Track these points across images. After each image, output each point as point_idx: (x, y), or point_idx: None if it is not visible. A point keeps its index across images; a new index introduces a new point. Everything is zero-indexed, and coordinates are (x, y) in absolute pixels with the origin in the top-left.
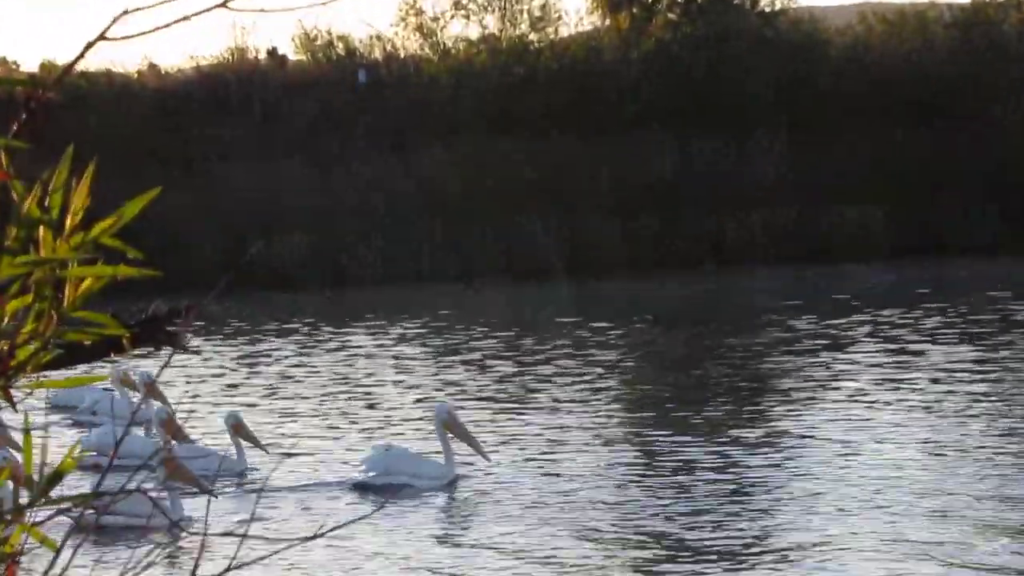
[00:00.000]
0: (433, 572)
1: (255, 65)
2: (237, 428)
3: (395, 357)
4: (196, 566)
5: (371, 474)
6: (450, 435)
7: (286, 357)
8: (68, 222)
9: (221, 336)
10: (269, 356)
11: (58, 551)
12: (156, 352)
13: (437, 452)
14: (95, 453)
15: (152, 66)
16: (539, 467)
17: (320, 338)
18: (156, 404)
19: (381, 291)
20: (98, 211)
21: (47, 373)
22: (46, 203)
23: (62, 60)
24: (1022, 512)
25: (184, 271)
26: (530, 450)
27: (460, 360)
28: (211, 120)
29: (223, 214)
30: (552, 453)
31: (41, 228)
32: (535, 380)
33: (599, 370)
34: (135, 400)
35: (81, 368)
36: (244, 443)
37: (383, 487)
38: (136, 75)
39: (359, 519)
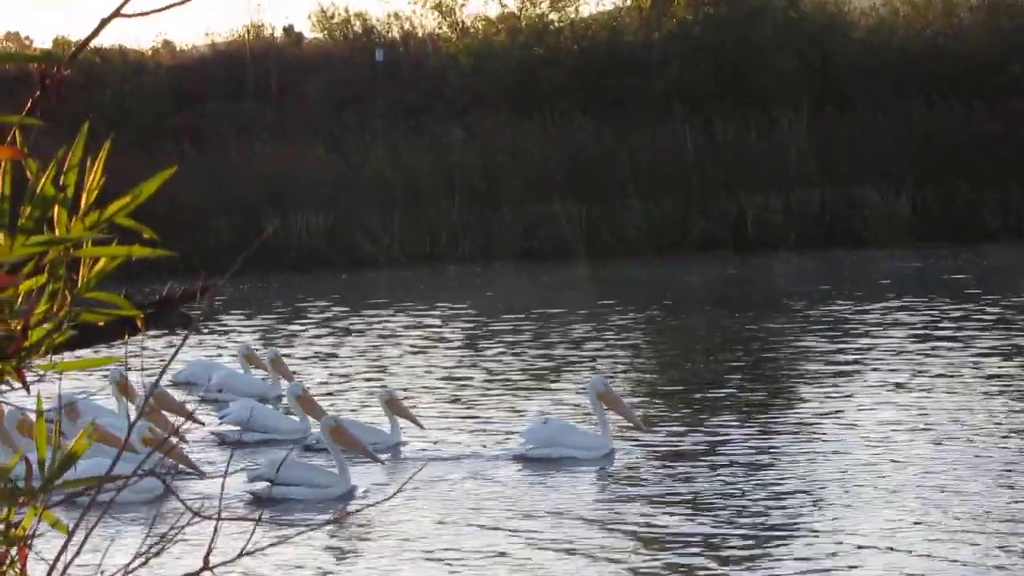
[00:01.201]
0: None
1: (271, 43)
2: (391, 403)
3: (426, 339)
4: (209, 551)
5: (530, 446)
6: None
7: (315, 338)
8: (83, 201)
9: (244, 316)
10: (297, 336)
11: (70, 535)
12: (171, 333)
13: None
14: (237, 428)
15: (167, 43)
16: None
17: (341, 320)
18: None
19: (397, 272)
20: (112, 188)
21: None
22: (61, 181)
23: (76, 36)
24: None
25: (198, 251)
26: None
27: (480, 342)
28: (227, 98)
29: (238, 193)
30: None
31: (56, 207)
32: (551, 362)
33: (619, 352)
34: (259, 377)
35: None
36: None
37: (543, 459)
38: (151, 52)
39: (374, 504)
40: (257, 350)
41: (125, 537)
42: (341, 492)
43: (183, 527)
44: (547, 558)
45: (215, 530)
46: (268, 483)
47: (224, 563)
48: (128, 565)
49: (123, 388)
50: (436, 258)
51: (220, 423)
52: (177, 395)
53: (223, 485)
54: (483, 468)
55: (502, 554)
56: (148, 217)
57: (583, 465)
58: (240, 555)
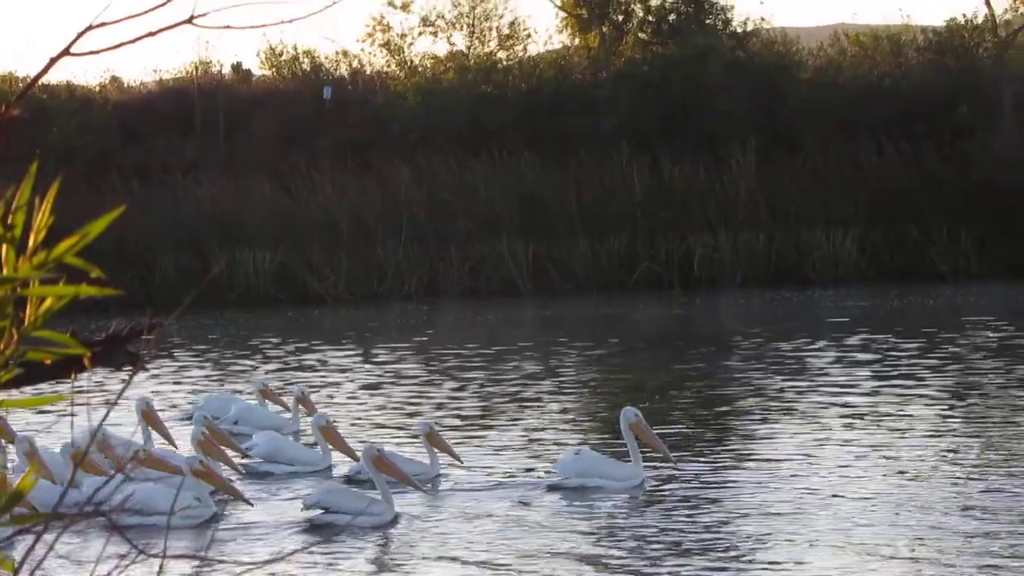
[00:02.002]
0: None
1: (219, 79)
2: (430, 437)
3: (364, 377)
4: None
5: (564, 477)
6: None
7: (267, 374)
8: (31, 240)
9: (193, 353)
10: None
11: (16, 571)
12: (117, 371)
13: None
14: (261, 460)
15: (114, 79)
16: (502, 480)
17: (292, 356)
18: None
19: (343, 310)
20: (59, 223)
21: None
22: (8, 220)
23: (23, 72)
24: (986, 524)
25: (145, 287)
26: (501, 465)
27: (428, 379)
28: (174, 134)
29: (185, 230)
30: (518, 466)
31: (3, 246)
32: (497, 400)
33: (563, 391)
34: (278, 411)
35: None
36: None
37: (576, 489)
38: (98, 88)
39: (303, 549)
40: (217, 387)
41: (80, 570)
42: (389, 519)
43: (127, 565)
44: None
45: (161, 568)
46: (323, 510)
47: None
48: None
49: (148, 418)
50: (382, 296)
51: (251, 454)
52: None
53: (168, 524)
54: (513, 498)
55: None
56: (94, 253)
57: (606, 495)
58: None
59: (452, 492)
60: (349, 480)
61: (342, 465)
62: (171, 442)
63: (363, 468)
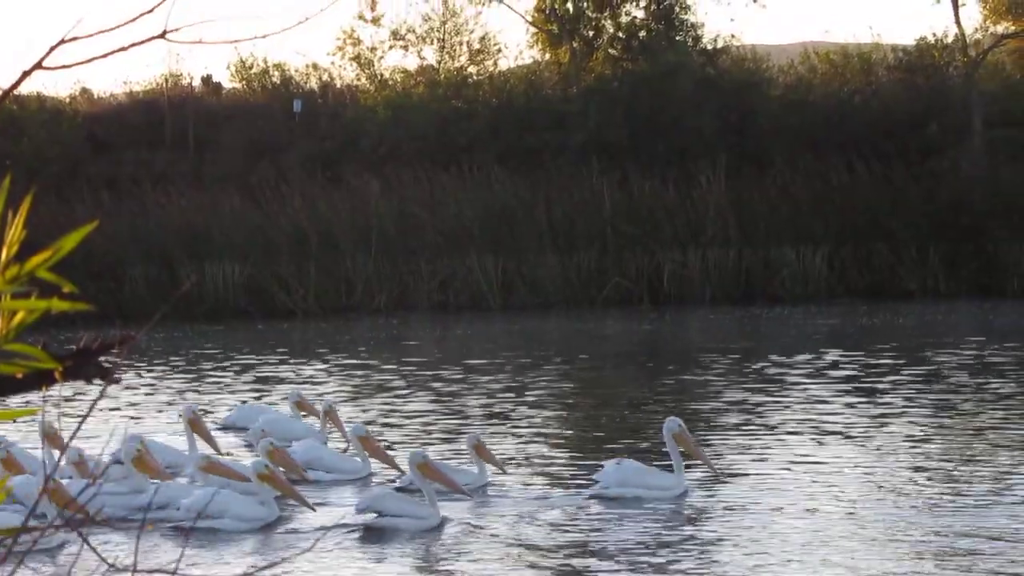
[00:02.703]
0: None
1: (189, 92)
2: (478, 448)
3: (354, 388)
4: None
5: (606, 487)
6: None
7: (240, 387)
8: (3, 254)
9: (164, 366)
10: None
11: None
12: (88, 384)
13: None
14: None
15: (85, 91)
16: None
17: (264, 369)
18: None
19: (312, 323)
20: (28, 234)
21: None
22: None
23: None
24: (956, 541)
25: (114, 299)
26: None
27: (396, 394)
28: (144, 146)
29: (154, 242)
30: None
31: None
32: (462, 416)
33: (527, 406)
34: (308, 422)
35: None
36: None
37: (618, 499)
38: (68, 100)
39: (297, 554)
40: (208, 403)
41: None
42: (435, 523)
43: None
44: None
45: None
46: (376, 514)
47: None
48: None
49: (195, 425)
50: (351, 309)
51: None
52: (226, 438)
53: (139, 538)
54: (555, 508)
55: None
56: (63, 265)
57: (641, 505)
58: None
59: (497, 498)
60: (400, 490)
61: (382, 474)
62: (216, 448)
63: (413, 478)
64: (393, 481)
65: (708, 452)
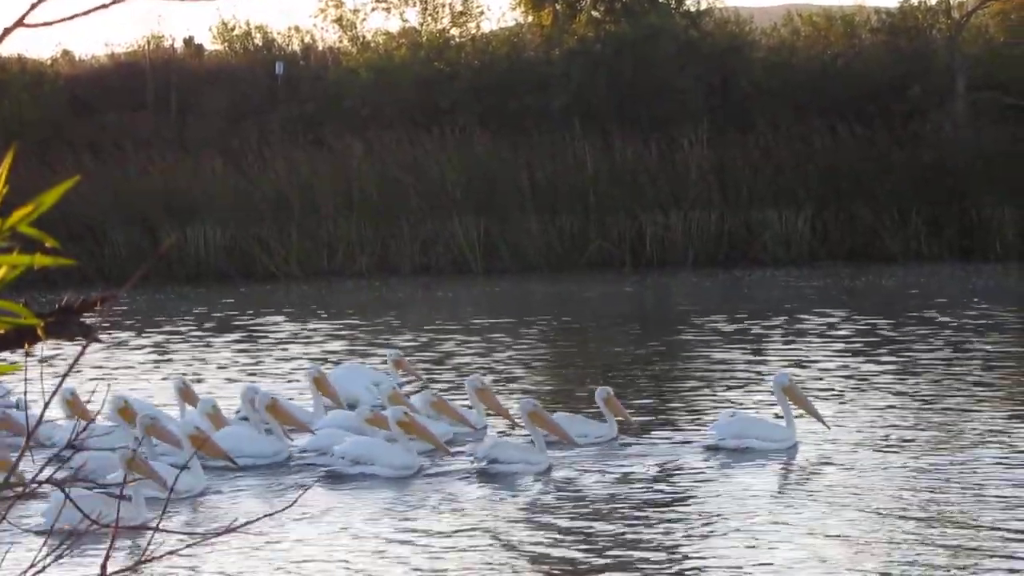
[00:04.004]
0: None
1: (171, 54)
2: (608, 402)
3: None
4: (106, 558)
5: (721, 438)
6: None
7: (224, 350)
8: None
9: (144, 327)
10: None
11: None
12: (70, 342)
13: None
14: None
15: (66, 53)
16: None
17: (253, 331)
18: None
19: (294, 286)
20: (10, 197)
21: None
22: None
23: None
24: (939, 510)
25: (95, 261)
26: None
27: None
28: (126, 109)
29: (136, 205)
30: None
31: None
32: (446, 378)
33: (510, 368)
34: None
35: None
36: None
37: (733, 450)
38: (50, 62)
39: (271, 514)
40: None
41: (22, 547)
42: (545, 467)
43: (80, 535)
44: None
45: (112, 538)
46: (495, 462)
47: (121, 571)
48: (25, 573)
49: (185, 394)
50: (333, 273)
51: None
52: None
53: (120, 495)
54: (671, 459)
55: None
56: (45, 226)
57: (757, 456)
58: (138, 563)
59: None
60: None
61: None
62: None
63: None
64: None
65: (696, 411)
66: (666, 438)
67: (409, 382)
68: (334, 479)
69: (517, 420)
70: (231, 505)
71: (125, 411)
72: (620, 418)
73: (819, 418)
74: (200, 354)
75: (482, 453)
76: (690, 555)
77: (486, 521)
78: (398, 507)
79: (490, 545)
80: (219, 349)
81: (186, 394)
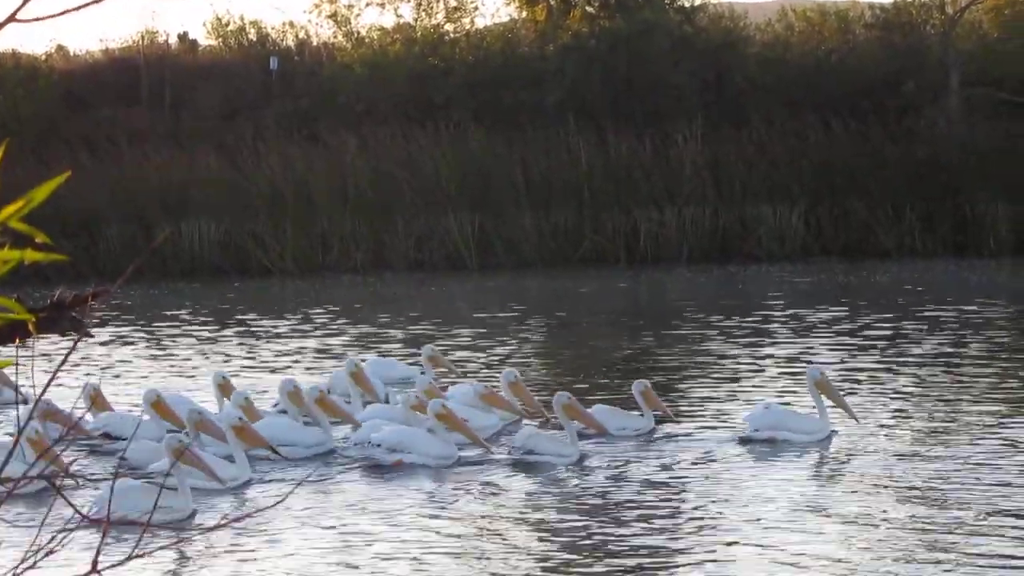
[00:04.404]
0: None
1: (165, 49)
2: (646, 395)
3: (310, 348)
4: (98, 553)
5: (755, 430)
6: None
7: (222, 345)
8: None
9: (137, 323)
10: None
11: None
12: (62, 337)
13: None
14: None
15: (60, 48)
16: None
17: (247, 326)
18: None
19: (289, 282)
20: (4, 192)
21: None
22: None
23: None
24: (945, 487)
25: (89, 257)
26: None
27: (376, 352)
28: (120, 104)
29: (130, 200)
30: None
31: None
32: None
33: (507, 364)
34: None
35: None
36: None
37: (766, 441)
38: (44, 57)
39: (260, 511)
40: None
41: (12, 541)
42: (577, 459)
43: (72, 530)
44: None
45: (104, 533)
46: (530, 452)
47: (112, 566)
48: (16, 568)
49: (224, 388)
50: (327, 268)
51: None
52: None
53: (111, 488)
54: (708, 451)
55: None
56: (38, 222)
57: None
58: (128, 558)
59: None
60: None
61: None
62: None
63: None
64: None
65: (695, 405)
66: (684, 433)
67: (443, 377)
68: (373, 470)
69: (549, 414)
70: (272, 496)
71: (158, 405)
72: (658, 411)
73: (850, 412)
74: (197, 349)
75: (518, 443)
76: (703, 548)
77: (508, 511)
78: (426, 498)
79: (512, 530)
80: (217, 344)
81: (225, 388)
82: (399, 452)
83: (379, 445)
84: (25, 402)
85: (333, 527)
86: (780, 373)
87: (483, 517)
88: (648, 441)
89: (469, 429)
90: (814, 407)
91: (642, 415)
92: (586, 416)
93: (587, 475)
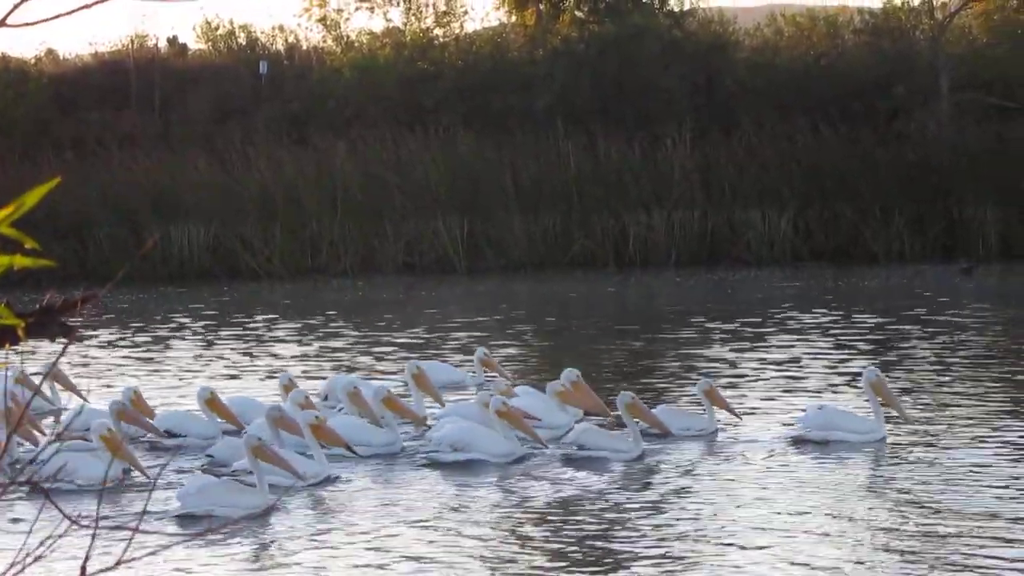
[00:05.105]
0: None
1: (155, 53)
2: (709, 394)
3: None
4: (86, 559)
5: (809, 430)
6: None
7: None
8: None
9: (128, 327)
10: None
11: None
12: (51, 342)
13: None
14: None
15: (50, 52)
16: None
17: (243, 330)
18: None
19: (278, 285)
20: None
21: None
22: None
23: None
24: (934, 493)
25: (78, 260)
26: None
27: (368, 356)
28: (109, 108)
29: (120, 203)
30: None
31: None
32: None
33: (506, 364)
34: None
35: None
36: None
37: (820, 442)
38: (34, 61)
39: (244, 521)
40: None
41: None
42: (636, 455)
43: (59, 536)
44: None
45: (92, 538)
46: (581, 448)
47: (102, 571)
48: (4, 574)
49: (289, 388)
50: (317, 272)
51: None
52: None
53: (100, 495)
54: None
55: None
56: (28, 225)
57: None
58: (118, 563)
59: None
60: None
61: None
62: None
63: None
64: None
65: (678, 410)
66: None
67: (492, 380)
68: (440, 469)
69: (613, 412)
70: (347, 496)
71: (212, 402)
72: (723, 410)
73: (903, 413)
74: (186, 354)
75: (570, 439)
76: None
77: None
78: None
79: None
80: (206, 348)
81: (289, 389)
82: (460, 451)
83: (440, 444)
84: (58, 411)
85: (356, 528)
86: (771, 377)
87: (505, 517)
88: (711, 441)
89: (529, 426)
90: (869, 408)
91: (704, 414)
92: (649, 416)
93: (633, 474)
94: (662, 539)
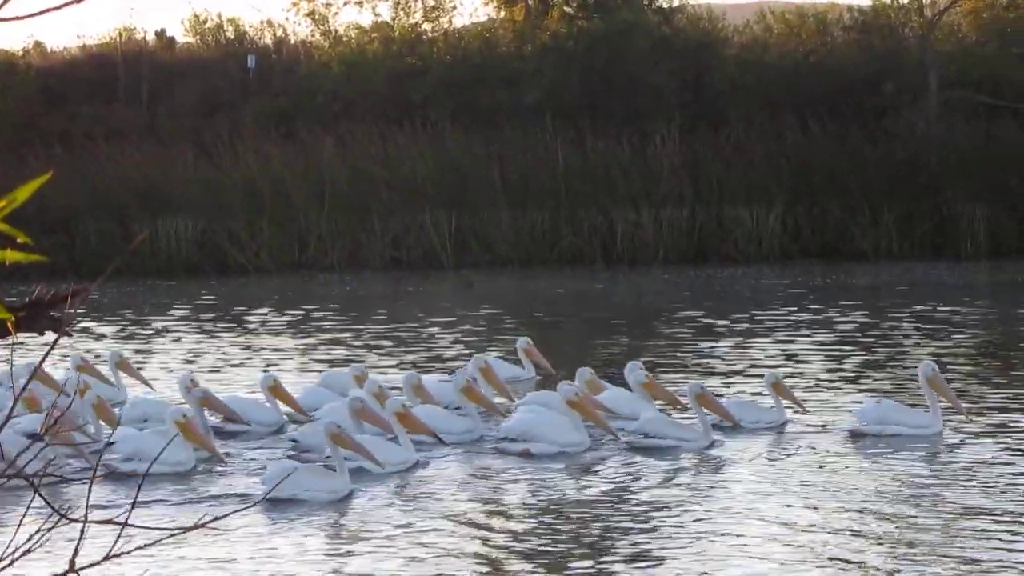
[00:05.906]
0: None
1: (143, 46)
2: (777, 387)
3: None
4: (75, 553)
5: (865, 423)
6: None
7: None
8: None
9: (121, 321)
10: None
11: None
12: (40, 336)
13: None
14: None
15: (38, 44)
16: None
17: (224, 323)
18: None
19: (266, 280)
20: None
21: None
22: None
23: None
24: (927, 482)
25: (66, 253)
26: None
27: (351, 349)
28: (97, 101)
29: (107, 197)
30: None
31: None
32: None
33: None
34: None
35: None
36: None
37: (878, 435)
38: (21, 53)
39: (240, 510)
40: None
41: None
42: (705, 444)
43: (49, 529)
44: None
45: (82, 532)
46: (646, 436)
47: (90, 565)
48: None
49: (360, 380)
50: (304, 266)
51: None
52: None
53: (90, 488)
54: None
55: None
56: (16, 219)
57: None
58: (106, 558)
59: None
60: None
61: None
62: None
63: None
64: None
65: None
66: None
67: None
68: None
69: (685, 403)
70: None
71: (275, 389)
72: (789, 403)
73: (960, 408)
74: (174, 347)
75: (635, 427)
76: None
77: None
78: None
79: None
80: (194, 342)
81: (361, 380)
82: (525, 441)
83: (506, 436)
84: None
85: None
86: (761, 374)
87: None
88: (777, 433)
89: (598, 415)
90: (927, 403)
91: (774, 407)
92: (719, 407)
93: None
94: (696, 537)
